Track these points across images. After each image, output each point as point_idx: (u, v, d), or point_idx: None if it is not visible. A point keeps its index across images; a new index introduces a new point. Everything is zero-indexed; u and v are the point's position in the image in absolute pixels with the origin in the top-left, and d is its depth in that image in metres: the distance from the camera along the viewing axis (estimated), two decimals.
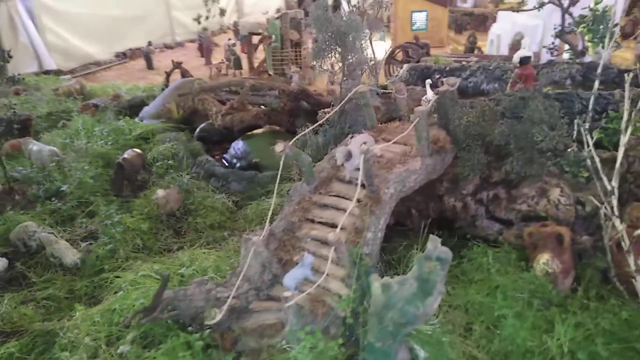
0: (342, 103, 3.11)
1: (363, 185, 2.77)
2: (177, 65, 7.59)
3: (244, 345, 2.56)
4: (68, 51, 11.19)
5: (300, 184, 2.91)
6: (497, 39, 8.58)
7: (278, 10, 12.71)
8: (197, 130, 5.86)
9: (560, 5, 5.03)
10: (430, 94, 3.28)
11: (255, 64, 9.26)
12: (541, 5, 5.72)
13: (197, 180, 4.57)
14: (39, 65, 10.33)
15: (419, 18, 10.73)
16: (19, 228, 3.56)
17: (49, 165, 4.67)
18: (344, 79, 3.48)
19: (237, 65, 9.44)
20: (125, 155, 4.43)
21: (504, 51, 8.24)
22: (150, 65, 10.34)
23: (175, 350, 2.39)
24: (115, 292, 3.06)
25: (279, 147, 2.62)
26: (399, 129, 3.26)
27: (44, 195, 4.17)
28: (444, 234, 3.37)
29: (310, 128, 3.46)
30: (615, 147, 2.84)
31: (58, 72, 9.53)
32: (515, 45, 7.96)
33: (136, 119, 6.24)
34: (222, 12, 12.97)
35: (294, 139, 3.00)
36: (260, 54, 9.79)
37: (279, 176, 2.80)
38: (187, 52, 12.74)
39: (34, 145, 4.92)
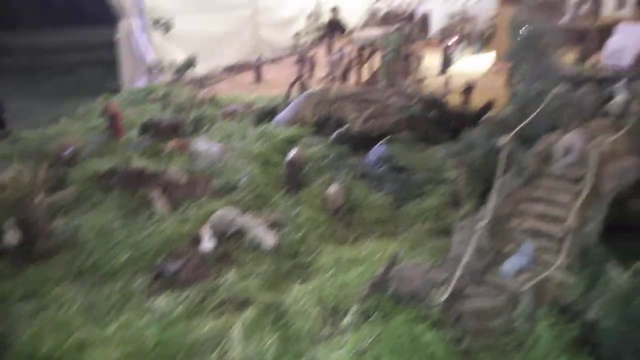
0: (540, 108, 3.26)
1: (576, 181, 2.92)
2: (299, 77, 8.09)
3: (464, 326, 2.76)
4: (173, 65, 12.02)
5: (509, 178, 3.08)
6: (618, 51, 8.39)
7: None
8: (334, 135, 6.22)
9: None
10: (621, 96, 3.37)
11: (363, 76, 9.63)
12: None
13: (352, 180, 4.89)
14: (148, 79, 11.03)
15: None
16: (218, 213, 3.99)
17: (218, 163, 5.20)
18: (529, 80, 3.64)
19: (345, 77, 9.84)
20: (294, 154, 4.83)
21: (627, 63, 8.05)
22: (259, 78, 10.99)
23: (413, 321, 2.62)
24: (318, 270, 3.40)
25: (503, 139, 2.83)
26: (594, 130, 3.37)
27: (227, 187, 4.65)
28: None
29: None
30: None
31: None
32: None
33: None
34: (319, 30, 13.67)
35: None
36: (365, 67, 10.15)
37: (499, 174, 2.97)
38: (286, 66, 13.40)
39: (201, 144, 5.49)
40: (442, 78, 8.99)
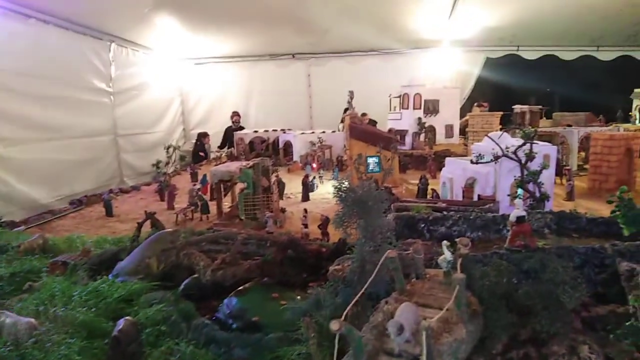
0: (376, 270, 3.19)
1: (414, 358, 2.76)
2: (149, 215, 7.48)
3: None
4: (12, 197, 10.70)
5: None
6: (449, 182, 9.41)
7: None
8: (182, 286, 5.60)
9: (518, 160, 5.84)
10: (448, 254, 3.49)
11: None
12: (497, 158, 6.58)
13: (197, 349, 4.24)
14: None
15: (373, 162, 11.70)
16: None
17: (26, 342, 4.15)
18: (363, 240, 3.63)
19: (205, 210, 9.50)
20: (120, 327, 4.08)
21: (458, 193, 9.02)
22: (110, 213, 10.07)
23: None
24: None
25: (335, 325, 2.59)
26: (426, 291, 3.37)
27: None
28: None
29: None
30: None
31: (10, 224, 8.97)
32: (469, 188, 8.79)
33: (109, 277, 5.87)
34: (183, 158, 13.41)
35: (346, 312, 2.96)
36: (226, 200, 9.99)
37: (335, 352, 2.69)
38: (145, 196, 12.66)
39: (6, 318, 4.40)
40: (303, 206, 9.15)
